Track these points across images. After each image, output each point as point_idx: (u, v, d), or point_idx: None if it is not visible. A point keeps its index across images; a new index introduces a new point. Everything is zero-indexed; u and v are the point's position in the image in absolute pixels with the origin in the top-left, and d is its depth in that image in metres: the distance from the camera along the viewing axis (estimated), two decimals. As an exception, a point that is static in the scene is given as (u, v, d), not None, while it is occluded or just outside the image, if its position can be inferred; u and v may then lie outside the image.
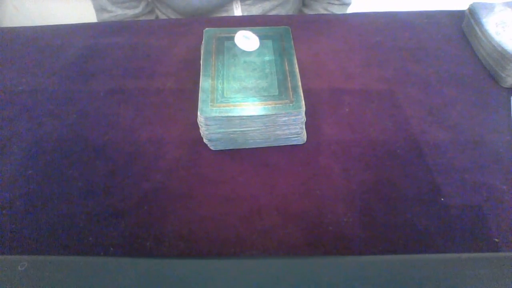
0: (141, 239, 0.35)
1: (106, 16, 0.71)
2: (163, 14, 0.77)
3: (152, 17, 0.78)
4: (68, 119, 0.45)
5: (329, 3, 0.76)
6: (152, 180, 0.39)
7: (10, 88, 0.50)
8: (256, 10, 0.71)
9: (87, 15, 0.79)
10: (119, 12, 0.71)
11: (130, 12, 0.71)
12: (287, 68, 0.43)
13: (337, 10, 0.77)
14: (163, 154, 0.42)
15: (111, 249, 0.35)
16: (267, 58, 0.44)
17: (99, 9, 0.71)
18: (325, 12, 0.77)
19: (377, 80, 0.50)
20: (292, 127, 0.40)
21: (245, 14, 0.71)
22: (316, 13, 0.77)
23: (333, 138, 0.43)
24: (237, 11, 0.70)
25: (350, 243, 0.35)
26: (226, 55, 0.44)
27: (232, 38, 0.46)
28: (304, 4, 0.81)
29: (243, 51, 0.45)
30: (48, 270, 0.26)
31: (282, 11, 0.75)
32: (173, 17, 0.75)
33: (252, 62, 0.43)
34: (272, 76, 0.42)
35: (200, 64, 0.43)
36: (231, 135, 0.40)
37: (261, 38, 0.46)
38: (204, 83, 0.40)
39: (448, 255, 0.29)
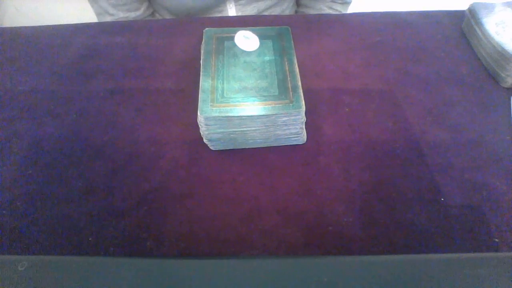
0: (141, 239, 0.35)
1: (108, 19, 0.71)
2: (160, 16, 0.77)
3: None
4: (68, 119, 0.45)
5: (333, 1, 0.76)
6: (152, 180, 0.39)
7: (10, 88, 0.50)
8: (250, 10, 0.71)
9: (87, 15, 0.79)
10: (121, 15, 0.71)
11: (132, 15, 0.72)
12: (287, 68, 0.43)
13: (340, 8, 0.77)
14: (163, 154, 0.42)
15: (111, 249, 0.35)
16: (267, 58, 0.44)
17: (101, 12, 0.71)
18: (329, 10, 0.77)
19: (377, 80, 0.50)
20: (292, 127, 0.40)
21: (239, 14, 0.71)
22: (319, 12, 0.77)
23: (333, 138, 0.43)
24: (231, 11, 0.70)
25: (350, 243, 0.35)
26: (226, 55, 0.44)
27: (232, 38, 0.46)
28: (303, 5, 0.81)
29: (243, 51, 0.45)
30: (48, 270, 0.26)
31: (277, 11, 0.75)
32: (169, 18, 0.75)
33: (252, 62, 0.43)
34: (272, 76, 0.42)
35: (200, 64, 0.43)
36: (231, 135, 0.40)
37: (261, 38, 0.46)
38: (204, 83, 0.40)
39: (448, 255, 0.29)
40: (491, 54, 0.50)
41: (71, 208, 0.37)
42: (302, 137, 0.42)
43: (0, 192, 0.39)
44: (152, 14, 0.77)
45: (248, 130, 0.39)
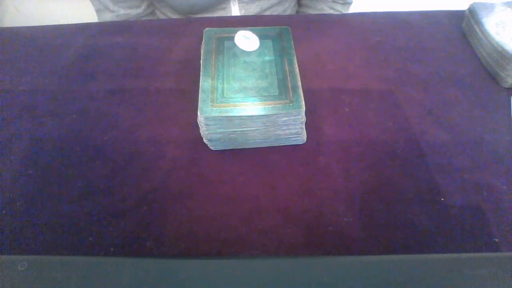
0: (141, 239, 0.35)
1: (108, 16, 0.71)
2: (162, 14, 0.77)
3: (154, 18, 0.78)
4: (68, 119, 0.45)
5: (334, 1, 0.76)
6: (152, 180, 0.39)
7: (10, 88, 0.50)
8: (253, 8, 0.71)
9: (87, 15, 0.79)
10: (121, 12, 0.71)
11: (133, 12, 0.71)
12: (287, 68, 0.43)
13: (341, 8, 0.77)
14: (163, 154, 0.42)
15: (111, 249, 0.35)
16: (267, 58, 0.44)
17: (101, 8, 0.71)
18: (330, 11, 0.77)
19: (377, 80, 0.50)
20: (292, 127, 0.40)
21: (243, 12, 0.71)
22: (320, 12, 0.77)
23: (333, 138, 0.43)
24: (234, 8, 0.70)
25: (350, 243, 0.35)
26: (226, 55, 0.44)
27: (232, 38, 0.46)
28: (304, 5, 0.81)
29: (243, 51, 0.45)
30: (48, 270, 0.26)
31: (279, 10, 0.75)
32: (171, 16, 0.75)
33: (252, 62, 0.43)
34: (272, 76, 0.42)
35: (200, 64, 0.43)
36: (231, 135, 0.40)
37: (261, 38, 0.46)
38: (204, 83, 0.40)
39: (448, 255, 0.29)
40: (491, 54, 0.50)
41: (71, 208, 0.37)
42: (302, 137, 0.42)
43: (0, 192, 0.39)
44: (153, 12, 0.77)
45: (248, 130, 0.39)
